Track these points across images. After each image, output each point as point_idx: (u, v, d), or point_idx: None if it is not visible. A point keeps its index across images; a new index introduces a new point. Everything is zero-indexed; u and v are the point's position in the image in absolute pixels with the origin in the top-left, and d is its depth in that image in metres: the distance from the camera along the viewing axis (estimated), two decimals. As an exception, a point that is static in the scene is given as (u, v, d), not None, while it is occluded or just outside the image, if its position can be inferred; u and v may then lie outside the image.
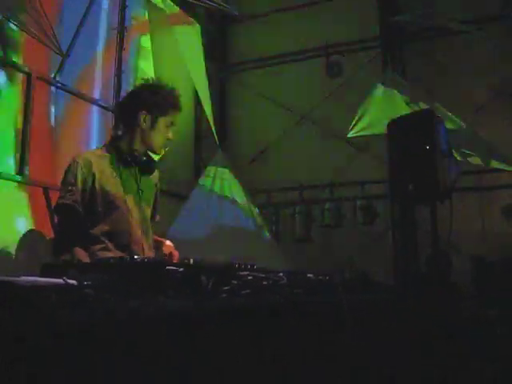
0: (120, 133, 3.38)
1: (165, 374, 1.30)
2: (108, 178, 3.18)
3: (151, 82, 3.42)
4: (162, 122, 3.29)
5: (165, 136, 3.31)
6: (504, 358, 4.07)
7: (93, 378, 1.09)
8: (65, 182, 3.14)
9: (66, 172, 3.16)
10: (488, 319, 4.69)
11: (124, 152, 3.27)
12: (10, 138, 5.91)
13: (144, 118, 3.26)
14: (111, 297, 1.34)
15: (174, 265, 1.75)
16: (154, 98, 3.30)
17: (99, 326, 1.14)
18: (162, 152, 3.46)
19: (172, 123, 3.34)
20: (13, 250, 5.65)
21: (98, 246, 3.07)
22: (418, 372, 2.70)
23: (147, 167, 3.37)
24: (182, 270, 1.73)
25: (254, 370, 1.65)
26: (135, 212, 3.26)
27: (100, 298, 1.28)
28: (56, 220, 3.30)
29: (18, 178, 5.84)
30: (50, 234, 6.02)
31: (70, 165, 3.17)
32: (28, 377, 0.98)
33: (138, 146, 3.29)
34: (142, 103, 3.30)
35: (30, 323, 1.02)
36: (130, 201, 3.24)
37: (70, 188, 3.09)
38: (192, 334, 1.42)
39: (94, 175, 3.13)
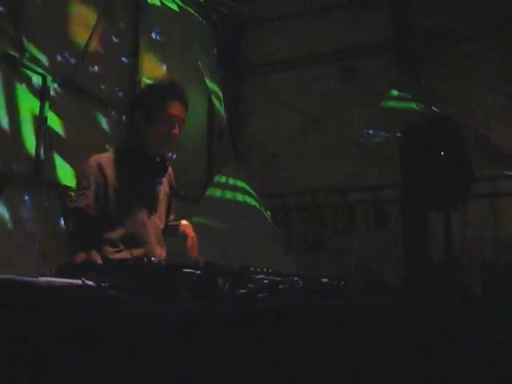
0: (129, 135, 3.34)
1: (174, 377, 1.30)
2: (121, 181, 3.09)
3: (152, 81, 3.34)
4: (161, 118, 3.12)
5: (164, 133, 3.12)
6: (503, 364, 4.05)
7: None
8: (77, 185, 3.08)
9: (79, 175, 3.13)
10: (496, 325, 4.67)
11: (134, 153, 3.20)
12: (26, 139, 5.95)
13: (140, 116, 3.15)
14: (129, 298, 1.35)
15: (191, 267, 1.75)
16: (149, 94, 3.22)
17: (113, 327, 1.15)
18: (164, 151, 3.26)
19: (174, 117, 3.14)
20: (25, 250, 5.68)
21: (112, 250, 3.01)
22: (418, 376, 2.69)
23: (159, 168, 3.27)
24: (198, 272, 1.73)
25: (268, 374, 1.65)
26: (149, 216, 3.20)
27: (119, 299, 1.29)
28: (67, 223, 3.21)
29: (35, 178, 5.87)
30: (63, 235, 6.08)
31: (82, 168, 3.12)
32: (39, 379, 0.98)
33: (142, 145, 3.18)
34: (139, 101, 3.25)
35: (51, 323, 1.02)
36: (144, 205, 3.18)
37: (82, 192, 3.01)
38: (201, 338, 1.42)
39: (106, 178, 3.05)
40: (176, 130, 3.16)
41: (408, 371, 2.57)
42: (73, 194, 3.07)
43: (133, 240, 3.08)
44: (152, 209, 3.24)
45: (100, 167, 3.07)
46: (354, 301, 2.13)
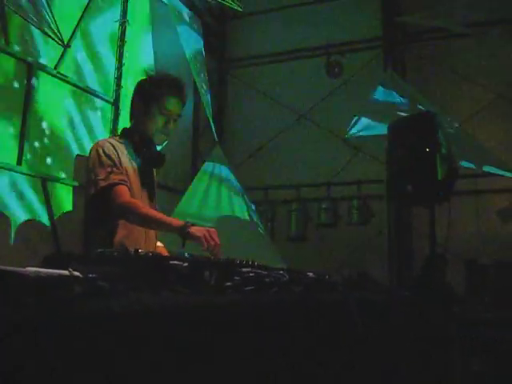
0: (130, 124, 3.35)
1: (165, 368, 1.30)
2: (128, 165, 3.08)
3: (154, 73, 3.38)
4: (156, 108, 3.16)
5: (159, 123, 3.18)
6: (497, 359, 4.08)
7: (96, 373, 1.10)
8: (100, 165, 2.95)
9: (101, 154, 2.98)
10: (480, 321, 4.70)
11: (137, 143, 3.18)
12: (10, 129, 5.90)
13: (137, 105, 3.21)
14: (119, 290, 1.34)
15: (177, 259, 1.74)
16: (147, 85, 3.23)
17: (104, 318, 1.15)
18: (159, 141, 3.27)
19: (169, 111, 3.19)
20: (11, 240, 5.66)
21: (122, 233, 2.98)
22: (409, 373, 2.71)
23: (158, 160, 3.27)
24: (185, 264, 1.73)
25: (253, 368, 1.65)
26: (150, 203, 3.20)
27: (111, 290, 1.28)
28: (109, 204, 2.90)
29: (18, 168, 5.83)
30: (45, 225, 6.07)
31: (97, 149, 3.01)
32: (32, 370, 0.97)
33: (138, 135, 3.19)
34: (138, 91, 3.26)
35: (41, 314, 1.02)
36: (145, 195, 3.18)
37: (110, 169, 2.92)
38: (194, 330, 1.42)
39: (120, 161, 3.02)
40: (170, 125, 3.22)
41: (400, 366, 2.59)
42: (97, 175, 2.93)
43: (135, 229, 3.04)
44: (152, 196, 3.27)
45: (115, 149, 3.05)
46: (341, 295, 2.14)
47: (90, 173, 2.98)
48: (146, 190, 3.21)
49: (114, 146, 3.06)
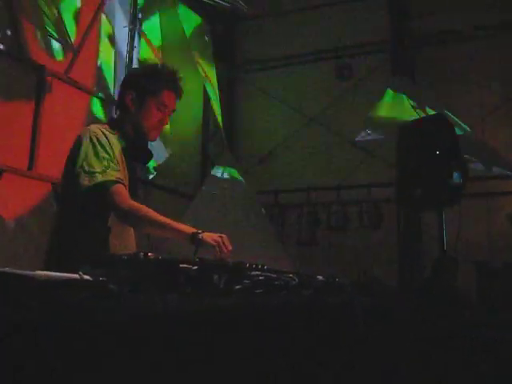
0: (115, 117, 3.12)
1: (172, 373, 1.30)
2: (120, 162, 2.88)
3: (148, 64, 3.17)
4: (153, 102, 2.96)
5: (155, 119, 2.98)
6: (497, 359, 4.05)
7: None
8: (95, 155, 2.76)
9: (92, 144, 2.78)
10: (490, 324, 4.68)
11: (131, 137, 3.00)
12: (21, 133, 5.93)
13: (131, 99, 2.98)
14: (129, 293, 1.35)
15: (187, 263, 1.74)
16: (143, 78, 3.03)
17: (114, 322, 1.15)
18: (153, 138, 3.06)
19: (166, 106, 2.99)
20: (20, 245, 5.67)
21: (116, 229, 2.84)
22: (412, 376, 2.69)
23: (145, 157, 3.11)
24: (195, 268, 1.73)
25: (263, 371, 1.66)
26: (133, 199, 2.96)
27: (121, 294, 1.29)
28: (108, 202, 2.73)
29: (28, 173, 5.85)
30: (56, 229, 6.08)
31: (90, 136, 2.80)
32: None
33: (129, 129, 2.99)
34: (131, 84, 3.04)
35: (44, 315, 1.03)
36: (130, 187, 2.94)
37: (107, 163, 2.74)
38: (200, 333, 1.42)
39: (113, 152, 2.82)
40: (166, 120, 3.05)
41: (403, 371, 2.58)
42: (92, 166, 2.74)
43: (124, 228, 2.93)
44: (135, 193, 3.06)
45: (108, 140, 2.85)
46: (350, 299, 2.14)
47: (81, 161, 2.77)
48: (132, 186, 3.00)
49: (106, 137, 2.85)
